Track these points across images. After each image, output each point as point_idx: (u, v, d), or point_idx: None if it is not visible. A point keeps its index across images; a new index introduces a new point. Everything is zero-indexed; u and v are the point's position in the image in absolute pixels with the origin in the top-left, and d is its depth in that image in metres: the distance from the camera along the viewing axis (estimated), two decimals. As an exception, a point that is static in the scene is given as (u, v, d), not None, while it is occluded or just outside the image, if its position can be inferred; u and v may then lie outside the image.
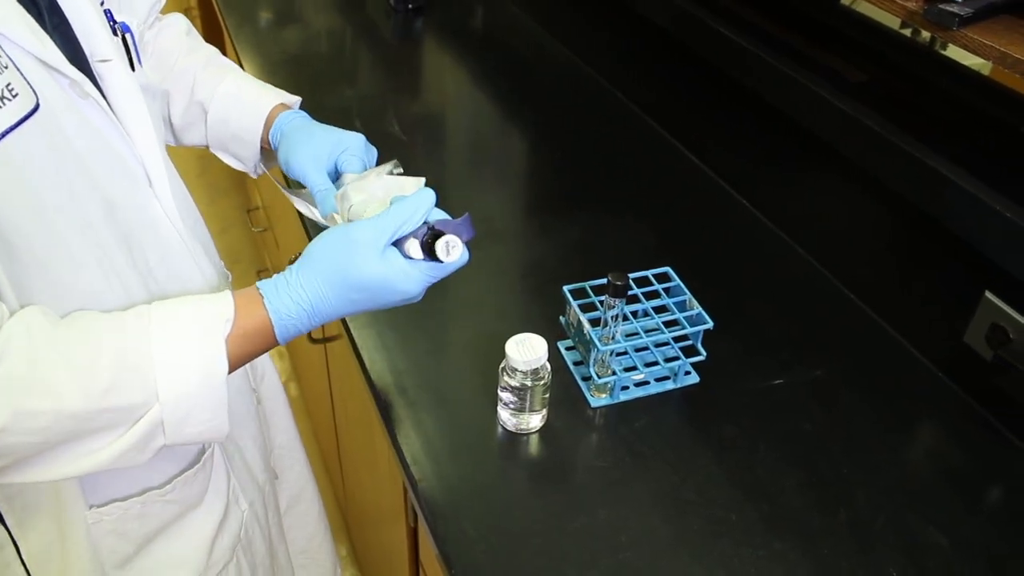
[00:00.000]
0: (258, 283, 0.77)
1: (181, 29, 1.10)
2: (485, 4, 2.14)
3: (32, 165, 0.68)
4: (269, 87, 1.08)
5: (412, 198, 0.78)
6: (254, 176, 1.12)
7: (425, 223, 0.79)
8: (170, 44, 1.08)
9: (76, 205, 0.72)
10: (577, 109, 1.70)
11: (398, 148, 1.52)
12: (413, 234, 0.78)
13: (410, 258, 0.78)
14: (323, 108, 1.62)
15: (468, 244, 0.80)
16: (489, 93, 1.76)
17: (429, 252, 0.78)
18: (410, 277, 0.77)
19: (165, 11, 1.09)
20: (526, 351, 0.93)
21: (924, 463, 1.00)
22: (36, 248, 0.70)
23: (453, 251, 0.78)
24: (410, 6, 2.06)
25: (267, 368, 1.19)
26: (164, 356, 0.70)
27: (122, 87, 0.80)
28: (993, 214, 0.97)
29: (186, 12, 3.63)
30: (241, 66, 1.80)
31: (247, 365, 1.02)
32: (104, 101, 0.76)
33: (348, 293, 0.76)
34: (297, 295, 0.76)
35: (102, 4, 0.83)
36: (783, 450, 0.99)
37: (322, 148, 0.96)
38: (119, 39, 0.84)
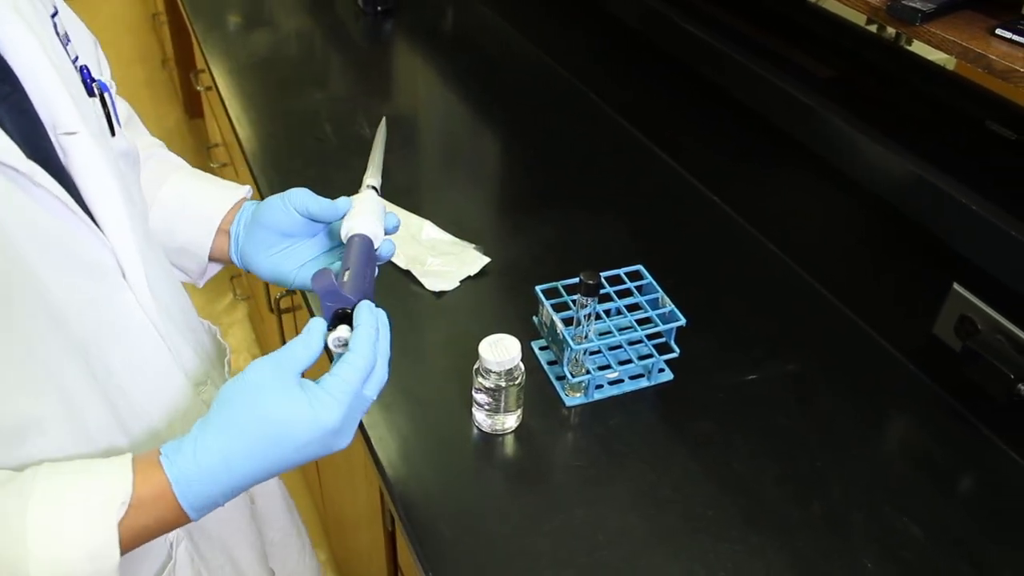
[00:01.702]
0: (163, 446, 0.65)
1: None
2: (455, 5, 2.14)
3: None
4: (212, 185, 0.95)
5: (312, 326, 0.69)
6: (199, 286, 1.00)
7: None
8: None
9: (9, 323, 0.62)
10: (549, 109, 1.70)
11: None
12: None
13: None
14: (293, 111, 1.62)
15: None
16: (460, 94, 1.76)
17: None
18: (318, 402, 0.65)
19: (125, 42, 0.94)
20: (499, 352, 0.93)
21: (898, 455, 1.01)
22: None
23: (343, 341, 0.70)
24: (379, 8, 2.05)
25: None
26: (42, 550, 0.59)
27: (89, 163, 0.68)
28: (960, 207, 0.98)
29: (153, 18, 3.61)
30: (209, 71, 1.79)
31: None
32: (61, 188, 0.64)
33: (258, 443, 0.64)
34: (201, 455, 0.63)
35: (76, 60, 0.73)
36: (758, 445, 1.00)
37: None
38: (96, 100, 0.74)
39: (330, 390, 0.66)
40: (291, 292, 1.07)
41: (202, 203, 0.92)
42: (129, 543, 0.63)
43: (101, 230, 0.69)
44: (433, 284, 1.19)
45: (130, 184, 0.77)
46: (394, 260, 1.22)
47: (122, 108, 0.92)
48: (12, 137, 0.60)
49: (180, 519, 0.64)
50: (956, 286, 1.03)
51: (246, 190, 0.95)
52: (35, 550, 0.59)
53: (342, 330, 0.70)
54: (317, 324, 0.70)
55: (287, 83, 1.75)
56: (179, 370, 0.79)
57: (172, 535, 0.83)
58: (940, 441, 1.03)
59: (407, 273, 1.21)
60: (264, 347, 2.50)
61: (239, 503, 0.96)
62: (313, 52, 1.95)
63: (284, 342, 1.51)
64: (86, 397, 0.69)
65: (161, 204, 0.92)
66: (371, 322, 0.70)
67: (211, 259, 0.93)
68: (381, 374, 0.70)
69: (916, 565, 0.88)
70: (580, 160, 1.53)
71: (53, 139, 0.67)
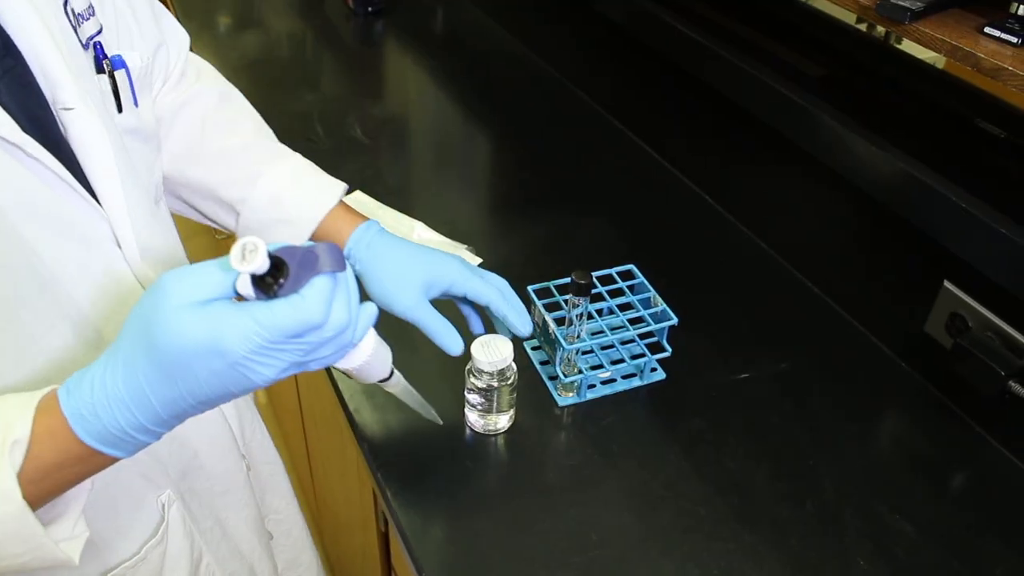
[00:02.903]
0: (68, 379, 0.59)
1: (210, 104, 0.99)
2: (445, 6, 2.14)
3: None
4: (305, 188, 0.95)
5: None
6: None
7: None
8: (194, 126, 0.97)
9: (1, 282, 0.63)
10: (540, 108, 1.70)
11: (362, 152, 1.51)
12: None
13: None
14: (284, 113, 1.61)
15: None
16: (451, 94, 1.76)
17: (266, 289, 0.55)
18: (223, 329, 0.53)
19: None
20: (491, 352, 0.93)
21: (889, 452, 1.01)
22: None
23: (252, 257, 0.52)
24: (370, 9, 2.05)
25: (256, 431, 1.08)
26: None
27: (88, 137, 0.70)
28: (950, 205, 0.98)
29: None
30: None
31: (234, 429, 0.97)
32: (56, 161, 0.65)
33: (156, 368, 0.55)
34: (98, 382, 0.56)
35: (98, 33, 0.75)
36: (751, 443, 1.00)
37: (420, 277, 0.88)
38: (106, 76, 0.75)
39: (249, 310, 0.54)
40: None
41: (299, 207, 0.93)
42: (40, 484, 0.58)
43: (98, 201, 0.71)
44: None
45: (136, 159, 0.78)
46: None
47: (209, 95, 0.99)
48: (10, 109, 0.62)
49: (86, 453, 0.58)
50: (947, 284, 1.03)
51: (340, 191, 0.95)
52: None
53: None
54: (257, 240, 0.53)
55: (278, 84, 1.75)
56: None
57: (164, 496, 0.84)
58: (932, 438, 1.03)
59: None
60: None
61: (231, 467, 0.96)
62: (304, 53, 1.95)
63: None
64: (75, 362, 0.69)
65: (252, 208, 0.92)
66: (334, 275, 0.57)
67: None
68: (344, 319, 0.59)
69: (908, 562, 0.88)
70: (571, 159, 1.53)
71: (54, 112, 0.68)
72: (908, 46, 1.14)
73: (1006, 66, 0.85)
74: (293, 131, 1.54)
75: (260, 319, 0.53)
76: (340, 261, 0.56)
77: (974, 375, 0.98)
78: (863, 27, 1.22)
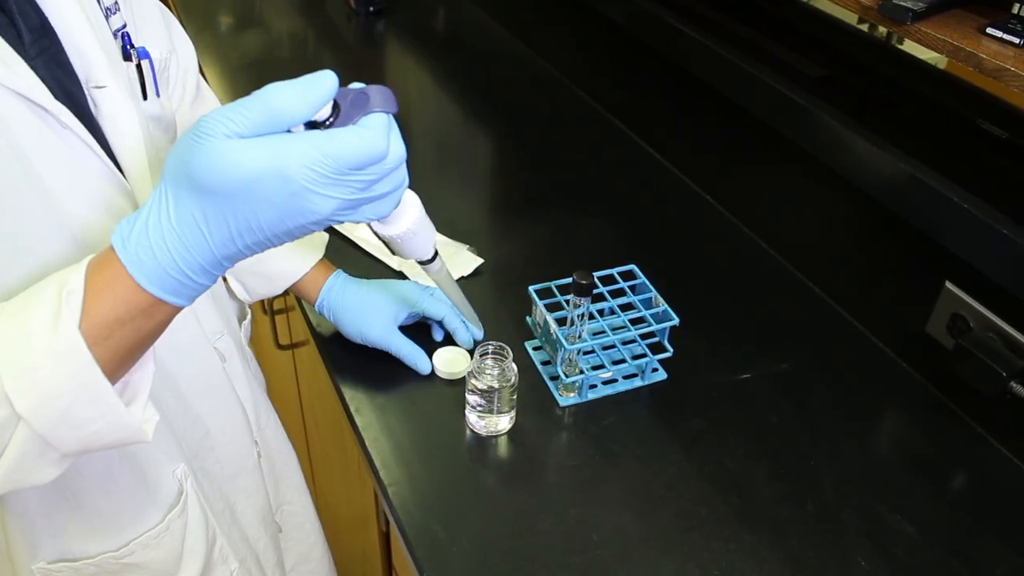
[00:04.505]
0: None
1: None
2: (446, 5, 2.14)
3: None
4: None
5: (303, 78, 0.54)
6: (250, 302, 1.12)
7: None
8: None
9: (31, 241, 0.65)
10: (541, 108, 1.70)
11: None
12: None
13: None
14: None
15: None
16: (453, 94, 1.76)
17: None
18: (285, 157, 0.52)
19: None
20: (451, 364, 0.93)
21: (889, 452, 1.01)
22: None
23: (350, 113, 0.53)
24: (371, 9, 2.05)
25: (271, 420, 1.11)
26: (9, 357, 0.57)
27: (118, 116, 0.73)
28: (952, 206, 0.98)
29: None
30: (202, 72, 1.78)
31: (248, 414, 0.99)
32: (88, 133, 0.68)
33: (210, 203, 0.54)
34: (152, 221, 0.56)
35: (124, 27, 0.78)
36: (751, 443, 1.00)
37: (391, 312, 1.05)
38: (133, 64, 0.79)
39: (306, 138, 0.53)
40: (284, 294, 1.09)
41: (279, 264, 1.05)
42: (105, 344, 0.58)
43: (124, 177, 0.74)
44: (429, 282, 1.19)
45: (159, 144, 0.81)
46: (386, 261, 1.22)
47: (194, 83, 1.01)
48: (47, 84, 0.65)
49: (147, 302, 0.57)
50: (948, 284, 1.03)
51: (319, 253, 1.08)
52: (1, 360, 0.57)
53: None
54: (327, 76, 0.54)
55: (279, 84, 1.75)
56: (191, 314, 0.82)
57: (180, 471, 0.86)
58: (932, 439, 1.03)
59: (399, 274, 1.21)
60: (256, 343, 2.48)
61: (241, 451, 0.98)
62: (305, 53, 1.95)
63: (277, 341, 1.51)
64: None
65: None
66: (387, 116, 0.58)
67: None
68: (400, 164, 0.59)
69: (908, 562, 0.88)
70: (573, 160, 1.53)
71: (86, 91, 0.71)
72: (910, 46, 1.14)
73: (1008, 67, 0.85)
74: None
75: (322, 146, 0.53)
76: (392, 102, 0.57)
77: (975, 376, 0.98)
78: (864, 27, 1.22)
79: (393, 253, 0.75)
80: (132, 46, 0.79)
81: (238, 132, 0.52)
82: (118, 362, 0.60)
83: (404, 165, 0.60)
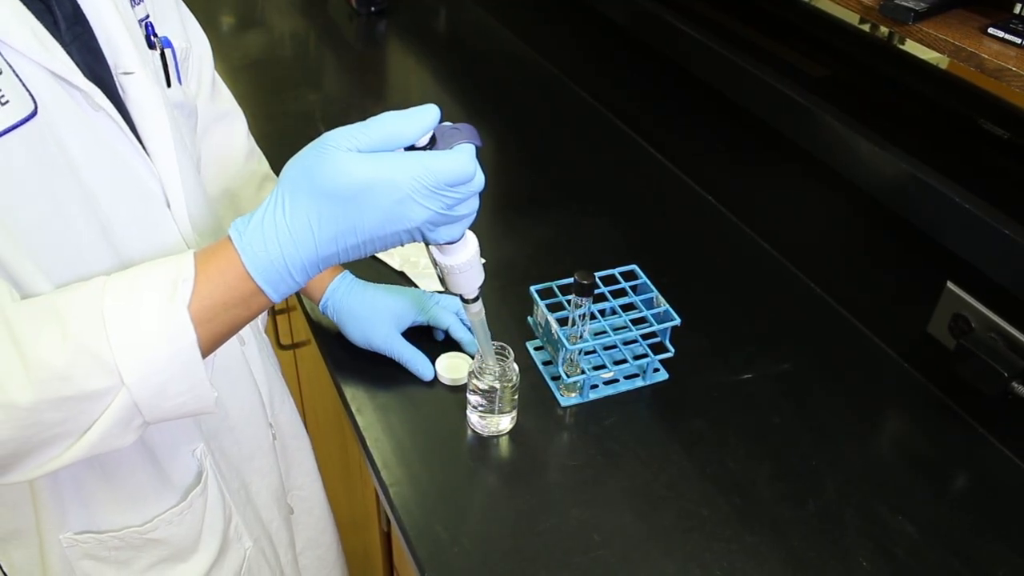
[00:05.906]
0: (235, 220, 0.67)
1: (243, 129, 1.10)
2: (448, 5, 2.14)
3: (9, 179, 0.63)
4: None
5: (412, 110, 0.65)
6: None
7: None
8: (235, 142, 1.09)
9: (61, 223, 0.68)
10: (542, 108, 1.70)
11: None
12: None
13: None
14: (287, 113, 1.61)
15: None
16: (453, 94, 1.76)
17: None
18: (397, 169, 0.63)
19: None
20: (452, 370, 0.93)
21: (891, 452, 1.01)
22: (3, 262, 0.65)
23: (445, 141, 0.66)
24: (373, 9, 2.05)
25: (286, 404, 1.13)
26: (121, 335, 0.62)
27: (145, 101, 0.76)
28: (953, 206, 0.98)
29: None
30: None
31: (264, 397, 1.00)
32: (118, 114, 0.71)
33: (326, 205, 0.63)
34: (268, 219, 0.64)
35: (147, 18, 0.81)
36: (753, 443, 1.00)
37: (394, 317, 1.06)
38: (157, 53, 0.82)
39: (413, 158, 0.64)
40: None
41: None
42: (207, 327, 0.65)
43: (151, 159, 0.76)
44: (428, 285, 1.19)
45: (184, 130, 0.84)
46: (387, 261, 1.22)
47: (243, 121, 1.10)
48: (80, 69, 0.68)
49: (249, 292, 0.65)
50: (950, 284, 1.03)
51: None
52: (113, 336, 0.62)
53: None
54: (432, 109, 0.66)
55: (281, 84, 1.75)
56: None
57: (198, 451, 0.88)
58: (934, 439, 1.03)
59: (401, 274, 1.21)
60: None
61: (258, 433, 1.00)
62: (307, 53, 1.95)
63: (279, 341, 1.51)
64: None
65: None
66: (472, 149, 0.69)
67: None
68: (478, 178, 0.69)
69: (910, 562, 0.88)
70: (574, 160, 1.53)
71: (115, 77, 0.74)
72: (911, 47, 1.15)
73: (1009, 67, 0.85)
74: (295, 131, 1.54)
75: (428, 163, 0.63)
76: (477, 137, 0.68)
77: (977, 376, 0.98)
78: (866, 27, 1.22)
79: (443, 286, 0.81)
80: (155, 35, 0.82)
81: (358, 147, 0.63)
82: (212, 344, 0.66)
83: (479, 196, 0.70)
